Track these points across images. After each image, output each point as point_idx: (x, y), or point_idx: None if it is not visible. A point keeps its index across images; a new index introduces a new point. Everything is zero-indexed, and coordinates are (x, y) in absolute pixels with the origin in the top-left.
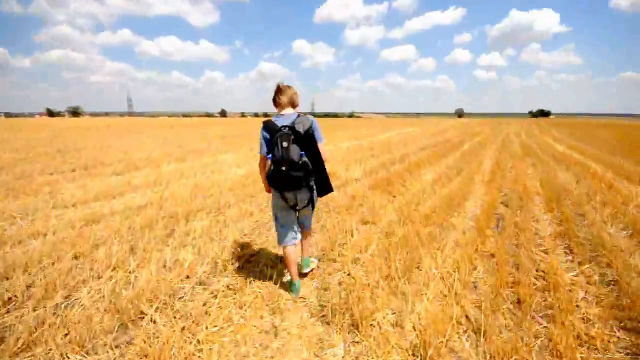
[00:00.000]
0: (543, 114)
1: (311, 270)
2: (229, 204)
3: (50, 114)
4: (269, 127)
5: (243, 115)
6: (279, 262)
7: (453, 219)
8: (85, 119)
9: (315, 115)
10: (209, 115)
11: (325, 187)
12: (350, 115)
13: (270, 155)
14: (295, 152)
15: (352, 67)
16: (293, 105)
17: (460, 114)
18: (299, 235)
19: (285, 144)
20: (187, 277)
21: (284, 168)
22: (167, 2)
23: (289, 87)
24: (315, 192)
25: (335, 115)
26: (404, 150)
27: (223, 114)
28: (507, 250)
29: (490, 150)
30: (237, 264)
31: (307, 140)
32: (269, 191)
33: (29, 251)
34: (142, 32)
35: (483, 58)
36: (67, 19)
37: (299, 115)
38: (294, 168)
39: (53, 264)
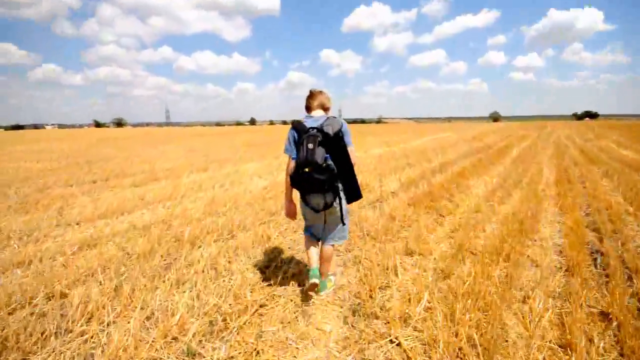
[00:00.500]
0: (590, 115)
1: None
2: (244, 225)
3: (97, 125)
4: (297, 127)
5: (271, 123)
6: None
7: (530, 251)
8: (127, 129)
9: None
10: (239, 123)
11: (353, 193)
12: (378, 121)
13: (295, 156)
14: (320, 154)
15: (379, 74)
16: (324, 108)
17: (495, 117)
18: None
19: (311, 146)
20: (174, 339)
21: (307, 170)
22: (204, 19)
23: (320, 91)
24: (343, 197)
25: (362, 121)
26: (443, 157)
27: (252, 122)
28: (626, 306)
29: (545, 156)
30: (243, 318)
31: (336, 144)
32: (290, 215)
33: (3, 285)
34: (181, 48)
35: (519, 59)
36: (114, 39)
37: (328, 118)
38: (318, 170)
39: (14, 311)
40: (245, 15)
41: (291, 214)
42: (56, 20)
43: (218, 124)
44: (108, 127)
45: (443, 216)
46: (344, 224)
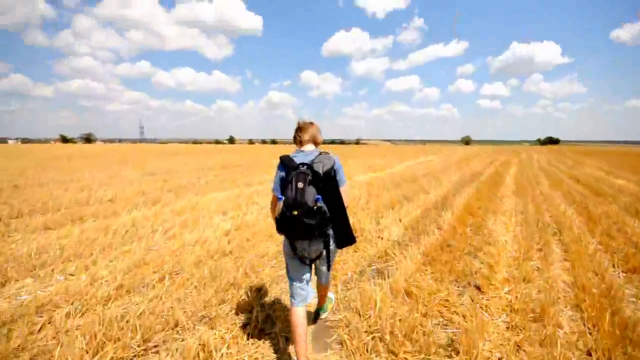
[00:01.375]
0: (552, 141)
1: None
2: (175, 321)
3: (64, 140)
4: (286, 163)
5: (251, 142)
6: None
7: None
8: (95, 145)
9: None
10: (218, 142)
11: (345, 237)
12: (357, 142)
13: (281, 197)
14: (310, 195)
15: (358, 96)
16: (315, 142)
17: (467, 140)
18: (310, 294)
19: (300, 185)
20: None
21: (295, 213)
22: (184, 36)
23: (311, 123)
24: (332, 243)
25: (342, 142)
26: (438, 187)
27: (232, 140)
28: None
29: (544, 186)
30: None
31: (327, 183)
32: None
33: None
34: (159, 64)
35: (486, 87)
36: (89, 51)
37: (320, 153)
38: (308, 214)
39: None
40: (227, 34)
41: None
42: (28, 30)
43: (196, 142)
44: (75, 142)
45: (482, 290)
46: (328, 271)
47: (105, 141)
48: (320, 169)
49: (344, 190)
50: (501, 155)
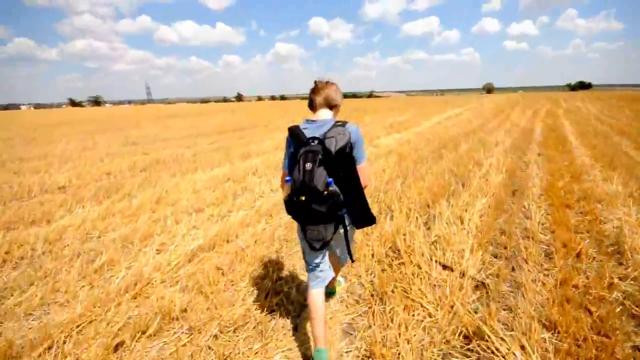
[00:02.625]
0: (583, 86)
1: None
2: None
3: (73, 104)
4: (294, 135)
5: (260, 98)
6: None
7: None
8: (101, 109)
9: None
10: (226, 100)
11: (364, 218)
12: (370, 95)
13: (289, 178)
14: (320, 178)
15: (371, 44)
16: (330, 106)
17: (489, 88)
18: (329, 275)
19: (309, 166)
20: None
21: (303, 198)
22: None
23: (327, 83)
24: (348, 223)
25: (354, 95)
26: (492, 154)
27: (239, 98)
28: None
29: (631, 148)
30: None
31: (342, 163)
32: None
33: None
34: (161, 18)
35: (514, 27)
36: (88, 8)
37: (335, 125)
38: (317, 199)
39: None
40: None
41: None
42: None
43: (204, 101)
44: (84, 106)
45: None
46: (352, 260)
47: (115, 103)
48: (332, 146)
49: (362, 168)
50: (538, 104)
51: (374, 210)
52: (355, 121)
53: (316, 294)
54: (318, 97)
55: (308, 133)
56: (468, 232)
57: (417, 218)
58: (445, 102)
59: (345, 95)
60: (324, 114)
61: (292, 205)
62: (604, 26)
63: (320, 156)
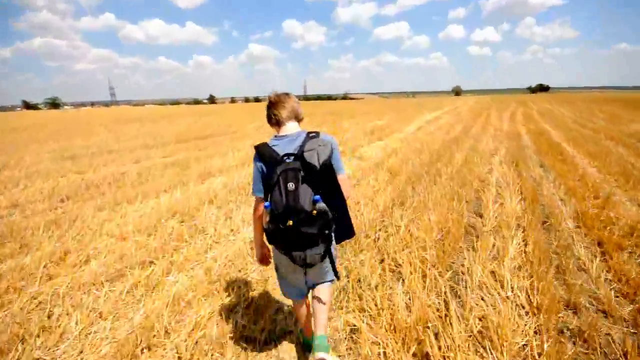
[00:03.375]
0: (542, 89)
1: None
2: None
3: (27, 106)
4: (264, 155)
5: (233, 100)
6: None
7: None
8: (57, 112)
9: (307, 98)
10: (197, 102)
11: (345, 232)
12: (344, 97)
13: (268, 204)
14: (306, 196)
15: (344, 46)
16: (297, 118)
17: (457, 91)
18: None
19: (291, 186)
20: None
21: (290, 223)
22: None
23: (287, 95)
24: (333, 244)
25: (329, 97)
26: (492, 165)
27: (212, 100)
28: None
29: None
30: None
31: (326, 176)
32: (263, 261)
33: None
34: (125, 15)
35: (477, 33)
36: (46, 4)
37: (309, 137)
38: (306, 222)
39: None
40: None
41: (265, 259)
42: None
43: (174, 103)
44: (40, 108)
45: None
46: (337, 277)
47: (76, 105)
48: (315, 160)
49: (343, 179)
50: (510, 107)
51: (376, 262)
52: (332, 127)
53: (299, 302)
54: (283, 111)
55: (280, 149)
56: (517, 305)
57: (436, 278)
58: (421, 105)
59: (320, 98)
60: (292, 128)
61: (277, 234)
62: (559, 33)
63: (301, 173)
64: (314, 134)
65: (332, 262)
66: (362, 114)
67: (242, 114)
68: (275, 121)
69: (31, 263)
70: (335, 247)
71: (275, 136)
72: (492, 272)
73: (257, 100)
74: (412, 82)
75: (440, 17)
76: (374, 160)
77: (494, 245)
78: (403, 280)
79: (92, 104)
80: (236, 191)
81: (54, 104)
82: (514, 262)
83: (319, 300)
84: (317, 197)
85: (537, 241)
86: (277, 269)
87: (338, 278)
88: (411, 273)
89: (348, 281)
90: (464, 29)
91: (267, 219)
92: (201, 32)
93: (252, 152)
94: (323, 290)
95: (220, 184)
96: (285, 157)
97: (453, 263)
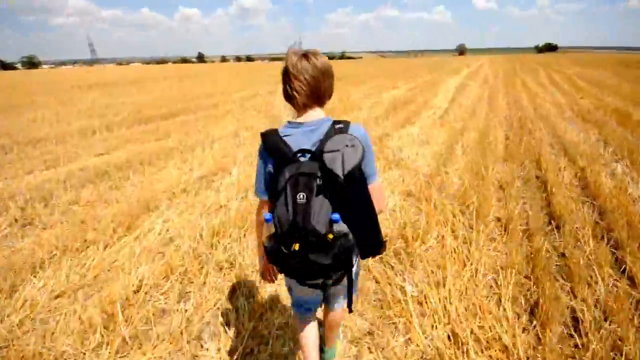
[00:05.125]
0: (550, 48)
1: None
2: None
3: (4, 66)
4: (272, 147)
5: (224, 59)
6: None
7: None
8: (34, 72)
9: None
10: (185, 60)
11: (372, 247)
12: (342, 56)
13: (269, 216)
14: (320, 213)
15: None
16: (321, 101)
17: (462, 50)
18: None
19: (302, 197)
20: None
21: (296, 248)
22: None
23: (314, 57)
24: (356, 261)
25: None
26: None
27: (201, 58)
28: None
29: None
30: None
31: (353, 190)
32: (267, 277)
33: None
34: None
35: None
36: None
37: (334, 128)
38: (317, 248)
39: None
40: None
41: (269, 275)
42: None
43: (160, 62)
44: (17, 68)
45: None
46: (350, 310)
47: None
48: (338, 165)
49: (375, 188)
50: (539, 71)
51: None
52: (337, 101)
53: (307, 327)
54: (303, 86)
55: (293, 143)
56: None
57: None
58: (432, 68)
59: None
60: (314, 114)
61: (278, 257)
62: None
63: (317, 181)
64: (341, 125)
65: (350, 294)
66: (371, 79)
67: (230, 76)
68: (290, 97)
69: None
70: (358, 264)
71: (290, 123)
72: None
73: (249, 59)
74: (415, 40)
75: None
76: (421, 170)
77: None
78: None
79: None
80: (205, 243)
81: (32, 63)
82: None
83: (330, 321)
84: (336, 216)
85: None
86: (288, 287)
87: (350, 311)
88: None
89: None
90: None
91: (267, 233)
92: None
93: (235, 144)
94: (335, 314)
95: (170, 227)
96: (299, 154)
97: None
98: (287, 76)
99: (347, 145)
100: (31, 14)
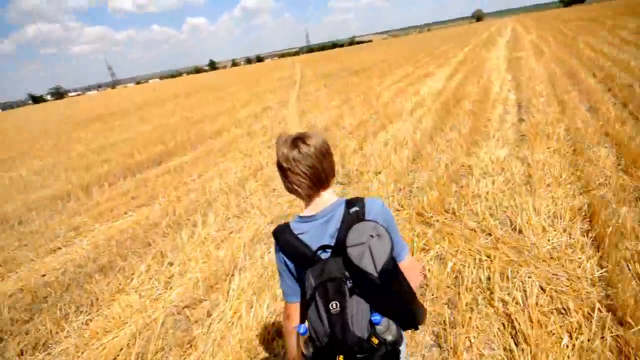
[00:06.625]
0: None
1: None
2: None
3: (34, 100)
4: (289, 249)
5: (234, 63)
6: None
7: None
8: (61, 102)
9: (312, 50)
10: (198, 70)
11: (411, 319)
12: (352, 42)
13: (303, 329)
14: (359, 318)
15: None
16: (326, 184)
17: (479, 16)
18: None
19: (335, 307)
20: None
21: (341, 359)
22: None
23: (304, 143)
24: (403, 344)
25: (334, 45)
26: None
27: (212, 65)
28: None
29: None
30: None
31: (388, 283)
32: None
33: None
34: None
35: None
36: None
37: (349, 213)
38: (362, 354)
39: None
40: None
41: None
42: None
43: (174, 75)
44: (47, 100)
45: None
46: None
47: (81, 91)
48: (368, 263)
49: (408, 266)
50: (597, 31)
51: None
52: (366, 104)
53: None
54: (301, 181)
55: (309, 240)
56: None
57: None
58: (455, 41)
59: (324, 48)
60: (329, 198)
61: None
62: None
63: (348, 284)
64: (356, 209)
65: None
66: (392, 68)
67: (237, 86)
68: (293, 190)
69: None
70: (404, 342)
71: (300, 217)
72: None
73: (259, 59)
74: (424, 13)
75: None
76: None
77: None
78: None
79: (99, 87)
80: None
81: (59, 93)
82: None
83: None
84: (377, 318)
85: None
86: None
87: None
88: None
89: None
90: None
91: (304, 345)
92: None
93: (238, 211)
94: None
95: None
96: (318, 254)
97: None
98: (282, 171)
99: (372, 236)
100: (51, 46)
